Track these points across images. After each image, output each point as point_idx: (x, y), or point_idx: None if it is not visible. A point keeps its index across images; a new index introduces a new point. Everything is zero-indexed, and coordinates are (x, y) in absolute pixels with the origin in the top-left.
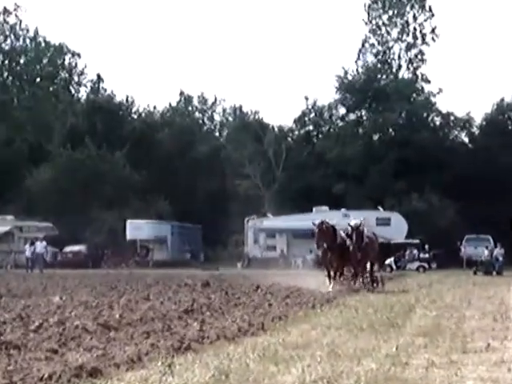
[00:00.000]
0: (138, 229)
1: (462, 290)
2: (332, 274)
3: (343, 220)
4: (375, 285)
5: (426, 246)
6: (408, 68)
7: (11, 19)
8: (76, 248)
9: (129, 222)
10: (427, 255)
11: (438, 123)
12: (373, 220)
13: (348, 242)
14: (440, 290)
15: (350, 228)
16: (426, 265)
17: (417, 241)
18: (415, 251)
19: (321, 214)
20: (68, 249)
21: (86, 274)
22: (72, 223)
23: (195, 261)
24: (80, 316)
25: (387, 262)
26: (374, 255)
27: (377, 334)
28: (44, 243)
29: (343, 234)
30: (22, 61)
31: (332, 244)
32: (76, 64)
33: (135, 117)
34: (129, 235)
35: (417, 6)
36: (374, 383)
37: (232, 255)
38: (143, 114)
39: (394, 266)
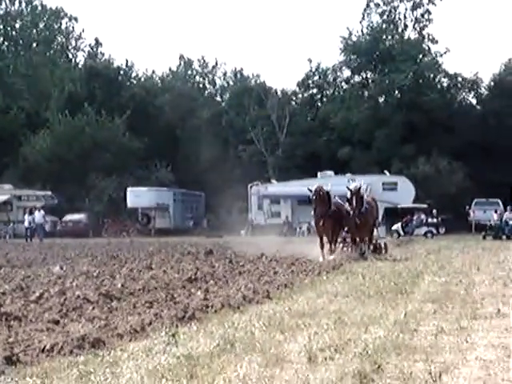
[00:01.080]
0: (139, 196)
1: (471, 256)
2: (326, 242)
3: (349, 185)
4: (379, 251)
5: (434, 211)
6: (414, 28)
7: None
8: (76, 217)
9: (129, 190)
10: (435, 220)
11: (445, 84)
12: (379, 184)
13: (346, 207)
14: (449, 255)
15: (348, 192)
16: (434, 230)
17: (424, 205)
18: (423, 216)
19: (326, 180)
20: (68, 218)
21: (87, 243)
22: (71, 192)
23: (198, 228)
24: (81, 286)
25: (394, 227)
26: (374, 221)
27: (384, 300)
28: (42, 212)
29: (339, 200)
30: (17, 25)
31: (326, 211)
32: (73, 28)
33: (135, 82)
34: (130, 203)
35: None
36: (382, 351)
37: (236, 222)
38: (143, 79)
39: (402, 232)
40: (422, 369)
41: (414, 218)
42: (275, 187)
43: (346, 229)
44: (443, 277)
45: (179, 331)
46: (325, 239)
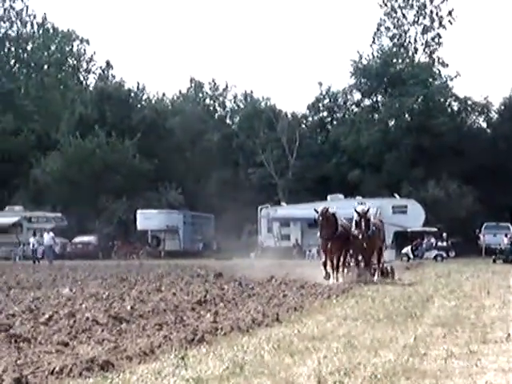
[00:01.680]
0: (148, 219)
1: (481, 279)
2: (331, 265)
3: (359, 208)
4: (385, 276)
5: (444, 234)
6: (424, 51)
7: (17, 5)
8: (86, 239)
9: (139, 212)
10: (445, 243)
11: (455, 108)
12: (389, 208)
13: (353, 229)
14: (458, 279)
15: (355, 214)
16: (444, 253)
17: (434, 229)
18: (433, 239)
19: (336, 203)
20: (78, 239)
21: (96, 265)
22: (81, 213)
23: (207, 251)
24: (91, 308)
25: (404, 250)
26: (381, 244)
27: (394, 324)
28: (52, 234)
29: (345, 222)
30: (29, 48)
31: (333, 233)
32: (85, 51)
33: (145, 104)
34: (139, 225)
35: None
36: (391, 375)
37: (245, 245)
38: (153, 102)
39: (411, 255)
40: None
41: (424, 241)
42: (285, 210)
43: (350, 252)
44: (453, 301)
45: (188, 354)
46: (329, 262)
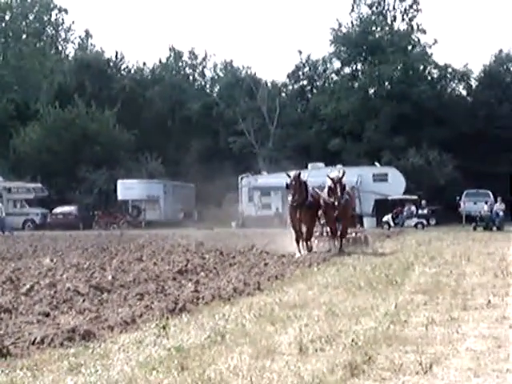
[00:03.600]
0: (129, 188)
1: (461, 247)
2: (302, 235)
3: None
4: (359, 244)
5: (424, 202)
6: (403, 19)
7: None
8: (66, 209)
9: (120, 182)
10: (426, 211)
11: (435, 76)
12: (370, 176)
13: (326, 197)
14: (439, 246)
15: (329, 180)
16: (424, 221)
17: (415, 197)
18: (413, 207)
19: (317, 171)
20: (58, 210)
21: (77, 235)
22: (62, 184)
23: (188, 220)
24: (71, 278)
25: (385, 218)
26: (352, 213)
27: (375, 292)
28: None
29: (315, 191)
30: (7, 17)
31: (304, 200)
32: (63, 20)
33: (125, 74)
34: (120, 195)
35: None
36: (372, 342)
37: (226, 214)
38: (133, 71)
39: (392, 223)
40: (412, 360)
41: (405, 209)
42: (266, 179)
43: (322, 221)
44: (434, 268)
45: (170, 323)
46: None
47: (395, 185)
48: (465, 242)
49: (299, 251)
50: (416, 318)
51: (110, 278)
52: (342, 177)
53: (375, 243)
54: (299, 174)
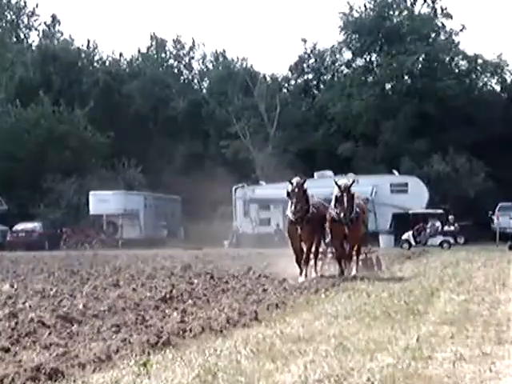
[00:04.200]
0: (103, 201)
1: (494, 270)
2: (302, 256)
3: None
4: (370, 268)
5: (451, 217)
6: (425, 1)
7: None
8: (29, 226)
9: (92, 194)
10: (452, 228)
11: (463, 68)
12: (387, 186)
13: (332, 209)
14: (469, 269)
15: (336, 189)
16: (451, 239)
17: (440, 211)
18: (438, 223)
19: (324, 181)
20: (19, 227)
21: (42, 256)
22: (24, 196)
23: (173, 239)
24: (35, 307)
25: (405, 236)
26: (364, 229)
27: (393, 323)
28: None
29: (319, 201)
30: None
31: (306, 212)
32: (25, 3)
33: (98, 66)
34: (92, 209)
35: None
36: (390, 382)
37: (218, 232)
38: (108, 63)
39: (413, 242)
40: None
41: (428, 225)
42: (264, 190)
43: (327, 239)
44: (462, 294)
45: (152, 360)
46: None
47: (417, 197)
48: (499, 263)
49: (302, 274)
50: (442, 353)
51: (80, 306)
52: (351, 185)
53: (393, 265)
54: (304, 181)
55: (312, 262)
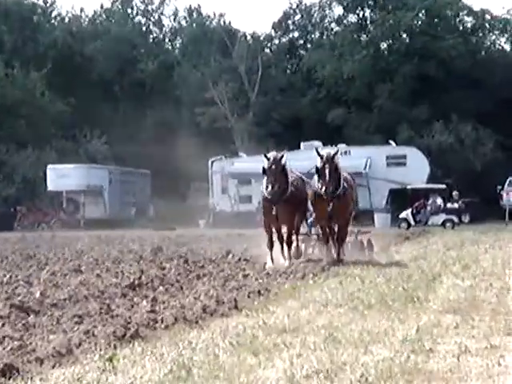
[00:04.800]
0: (63, 176)
1: (504, 252)
2: (279, 239)
3: (342, 159)
4: (360, 250)
5: (455, 193)
6: None
7: None
8: None
9: (51, 168)
10: (456, 205)
11: (468, 25)
12: (382, 158)
13: (316, 184)
14: (475, 251)
15: (318, 160)
16: (454, 218)
17: (442, 186)
18: (440, 200)
19: (312, 153)
20: None
21: None
22: None
23: (143, 218)
24: None
25: (403, 214)
26: (352, 207)
27: (390, 312)
28: None
29: (298, 176)
30: None
31: (284, 191)
32: None
33: (56, 24)
34: (51, 185)
35: None
36: (387, 377)
37: (192, 210)
38: (67, 20)
39: (412, 221)
40: None
41: (429, 202)
42: (244, 163)
43: (311, 218)
44: (468, 280)
45: (118, 354)
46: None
47: (416, 170)
48: (509, 245)
49: (271, 260)
50: (444, 345)
51: (37, 295)
52: (334, 154)
53: (390, 247)
54: (282, 156)
55: (294, 245)
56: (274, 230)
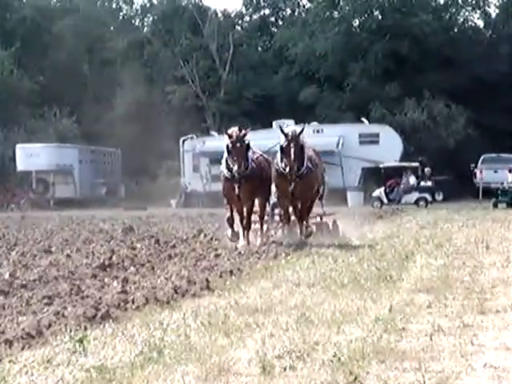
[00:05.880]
0: (32, 156)
1: (477, 230)
2: (240, 219)
3: (314, 137)
4: (326, 233)
5: (427, 170)
6: None
7: None
8: None
9: (19, 147)
10: (429, 183)
11: (441, 1)
12: (355, 136)
13: (278, 162)
14: (448, 230)
15: (283, 138)
16: (428, 196)
17: (415, 164)
18: (413, 178)
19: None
20: None
21: None
22: None
23: (113, 198)
24: None
25: (375, 193)
26: (318, 188)
27: (363, 291)
28: None
29: (259, 154)
30: None
31: (246, 169)
32: None
33: (24, 1)
34: (20, 165)
35: None
36: (360, 357)
37: (163, 190)
38: None
39: (385, 199)
40: (413, 380)
41: (402, 180)
42: (216, 141)
43: (274, 198)
44: (441, 258)
45: (89, 335)
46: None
47: (389, 148)
48: (482, 223)
49: (233, 234)
50: (417, 324)
51: (7, 276)
52: (300, 133)
53: (363, 226)
54: (244, 134)
55: (257, 226)
56: (236, 211)
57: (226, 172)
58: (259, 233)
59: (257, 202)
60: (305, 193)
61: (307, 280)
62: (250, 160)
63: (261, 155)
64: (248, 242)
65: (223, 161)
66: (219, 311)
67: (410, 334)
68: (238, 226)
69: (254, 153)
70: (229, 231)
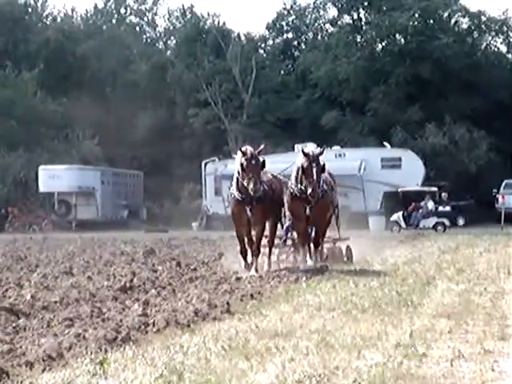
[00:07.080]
0: (55, 177)
1: (499, 255)
2: (250, 246)
3: (337, 162)
4: (339, 259)
5: (444, 195)
6: None
7: None
8: None
9: (42, 169)
10: (448, 208)
11: (464, 26)
12: (377, 161)
13: (292, 184)
14: (469, 255)
15: (303, 158)
16: (446, 221)
17: (433, 188)
18: (431, 203)
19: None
20: None
21: None
22: None
23: (135, 220)
24: None
25: (394, 217)
26: (333, 210)
27: (384, 316)
28: None
29: (271, 176)
30: None
31: (259, 189)
32: None
33: (48, 24)
34: (42, 186)
35: None
36: (380, 382)
37: (185, 212)
38: (59, 20)
39: (403, 224)
40: None
41: (422, 204)
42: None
43: (287, 223)
44: (462, 284)
45: (109, 358)
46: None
47: (411, 173)
48: (504, 248)
49: (246, 266)
50: (438, 350)
51: (28, 297)
52: (320, 153)
53: (384, 251)
54: (259, 152)
55: (266, 251)
56: (245, 237)
57: (236, 194)
58: (266, 260)
59: (267, 225)
60: (318, 216)
61: (328, 304)
62: (265, 184)
63: (274, 177)
64: (257, 270)
65: (233, 182)
66: (239, 335)
67: (431, 360)
68: (250, 258)
69: (264, 173)
70: (242, 263)
